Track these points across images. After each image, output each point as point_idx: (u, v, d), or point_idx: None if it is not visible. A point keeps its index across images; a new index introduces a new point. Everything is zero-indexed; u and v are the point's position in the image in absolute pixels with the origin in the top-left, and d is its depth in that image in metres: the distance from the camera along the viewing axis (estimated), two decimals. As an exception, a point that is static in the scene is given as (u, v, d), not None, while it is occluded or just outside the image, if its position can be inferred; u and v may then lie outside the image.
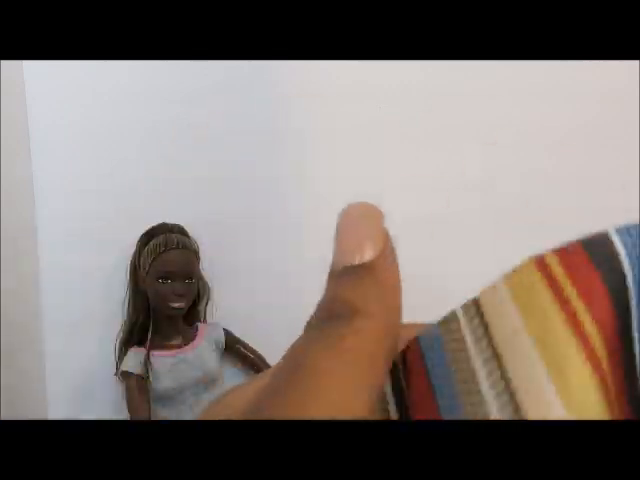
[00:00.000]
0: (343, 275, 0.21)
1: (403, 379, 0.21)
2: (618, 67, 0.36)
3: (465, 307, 0.20)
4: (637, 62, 0.37)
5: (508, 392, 0.18)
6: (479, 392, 0.19)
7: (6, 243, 0.34)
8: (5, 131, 0.35)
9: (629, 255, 0.19)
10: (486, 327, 0.19)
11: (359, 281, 0.21)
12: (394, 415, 0.21)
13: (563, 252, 0.19)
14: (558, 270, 0.19)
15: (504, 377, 0.19)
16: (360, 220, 0.21)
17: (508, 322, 0.19)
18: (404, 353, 0.21)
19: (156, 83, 0.39)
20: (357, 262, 0.20)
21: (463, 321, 0.20)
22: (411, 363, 0.21)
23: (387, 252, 0.20)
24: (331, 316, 0.20)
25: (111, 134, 0.39)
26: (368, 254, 0.20)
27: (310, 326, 0.20)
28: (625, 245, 0.19)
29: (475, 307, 0.20)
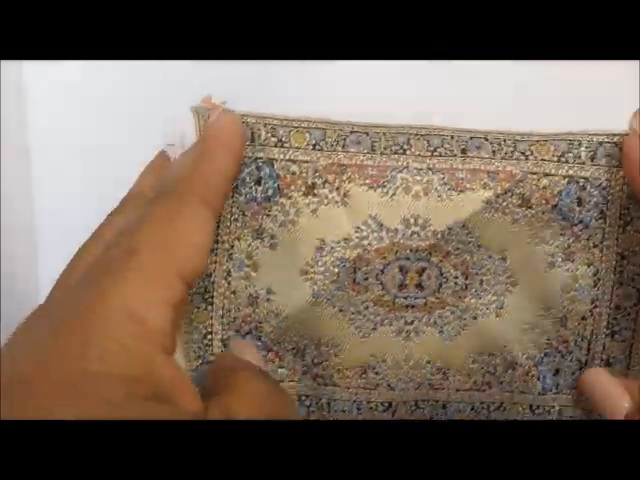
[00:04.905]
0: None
1: None
2: (618, 67, 0.36)
3: None
4: (637, 62, 0.37)
5: None
6: None
7: (5, 244, 0.34)
8: (5, 131, 0.36)
9: None
10: None
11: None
12: None
13: None
14: None
15: None
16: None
17: None
18: None
19: (157, 84, 0.39)
20: None
21: None
22: None
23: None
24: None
25: (111, 134, 0.39)
26: None
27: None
28: None
29: None
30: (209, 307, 0.30)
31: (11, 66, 0.36)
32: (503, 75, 0.34)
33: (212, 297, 0.30)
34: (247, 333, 0.30)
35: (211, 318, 0.30)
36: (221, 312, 0.30)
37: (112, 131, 0.37)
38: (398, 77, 0.36)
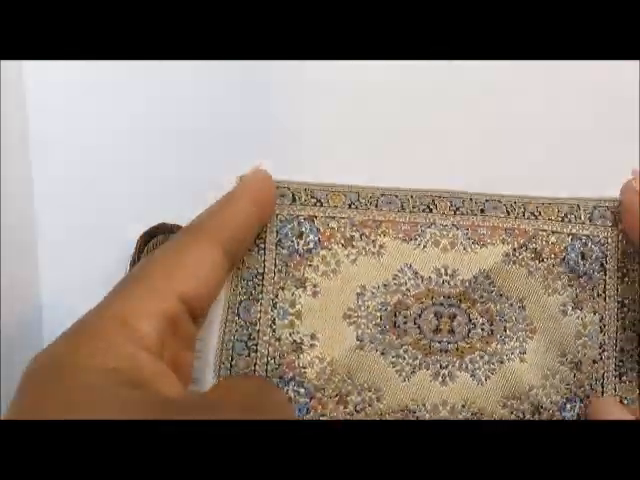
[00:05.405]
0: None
1: None
2: (618, 67, 0.36)
3: None
4: (637, 62, 0.37)
5: None
6: None
7: (5, 244, 0.34)
8: (4, 131, 0.35)
9: None
10: None
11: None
12: None
13: None
14: None
15: None
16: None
17: None
18: None
19: (157, 83, 0.39)
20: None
21: None
22: None
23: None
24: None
25: (112, 134, 0.39)
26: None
27: None
28: None
29: None
30: (252, 354, 0.31)
31: (11, 66, 0.36)
32: (501, 74, 0.34)
33: (256, 344, 0.31)
34: (290, 379, 0.31)
35: (254, 365, 0.31)
36: (265, 359, 0.31)
37: (111, 131, 0.37)
38: (398, 77, 0.36)
